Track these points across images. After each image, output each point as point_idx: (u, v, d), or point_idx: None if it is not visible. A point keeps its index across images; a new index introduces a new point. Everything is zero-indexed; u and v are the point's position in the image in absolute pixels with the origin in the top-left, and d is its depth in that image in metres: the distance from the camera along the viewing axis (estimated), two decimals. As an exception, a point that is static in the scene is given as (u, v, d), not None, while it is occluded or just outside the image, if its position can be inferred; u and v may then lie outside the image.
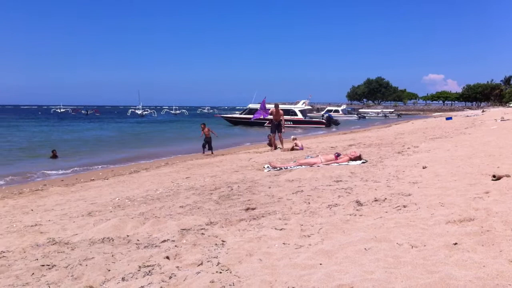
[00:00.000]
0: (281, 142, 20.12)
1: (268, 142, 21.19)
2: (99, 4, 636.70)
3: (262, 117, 24.42)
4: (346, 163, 11.49)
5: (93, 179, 14.08)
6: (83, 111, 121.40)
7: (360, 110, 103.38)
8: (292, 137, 19.93)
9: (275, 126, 20.41)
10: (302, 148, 18.33)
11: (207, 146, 21.99)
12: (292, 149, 18.30)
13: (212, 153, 21.43)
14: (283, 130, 20.37)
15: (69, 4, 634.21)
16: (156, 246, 5.17)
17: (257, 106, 50.27)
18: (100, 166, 18.34)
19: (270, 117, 21.37)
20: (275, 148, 19.93)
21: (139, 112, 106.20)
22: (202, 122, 23.22)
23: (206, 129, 22.10)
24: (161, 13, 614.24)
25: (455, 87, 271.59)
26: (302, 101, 55.81)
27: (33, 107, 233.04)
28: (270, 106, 24.78)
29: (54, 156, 21.40)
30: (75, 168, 17.87)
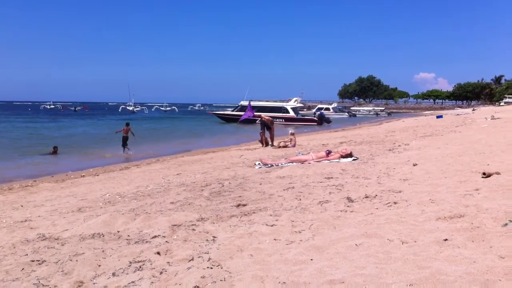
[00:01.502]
0: (272, 139, 20.09)
1: (260, 139, 21.19)
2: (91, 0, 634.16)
3: (248, 117, 24.64)
4: (337, 160, 11.52)
5: (84, 175, 14.02)
6: (71, 108, 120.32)
7: (351, 108, 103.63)
8: (291, 131, 19.64)
9: (263, 124, 20.43)
10: (293, 146, 18.35)
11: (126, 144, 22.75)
12: (286, 146, 18.32)
13: (128, 151, 22.26)
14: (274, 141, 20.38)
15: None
16: (146, 241, 5.16)
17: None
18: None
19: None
20: (266, 145, 19.92)
21: (130, 108, 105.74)
22: (127, 122, 23.78)
23: (126, 128, 22.73)
24: (154, 10, 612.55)
25: (446, 86, 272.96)
26: (294, 98, 55.91)
27: (27, 103, 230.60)
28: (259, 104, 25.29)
29: (55, 152, 21.48)
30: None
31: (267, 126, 20.35)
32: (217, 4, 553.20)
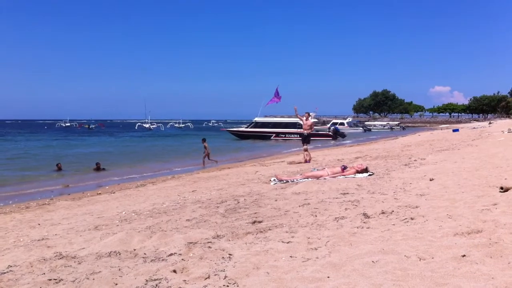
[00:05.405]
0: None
1: (306, 155, 20.86)
2: (106, 17, 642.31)
3: (273, 102, 24.74)
4: (352, 175, 11.46)
5: (100, 193, 14.11)
6: (86, 126, 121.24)
7: (365, 122, 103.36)
8: (304, 147, 19.51)
9: (304, 138, 20.11)
10: (308, 161, 18.29)
11: None
12: (305, 161, 18.27)
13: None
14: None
15: (76, 15, 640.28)
16: (163, 259, 5.16)
17: (263, 119, 50.72)
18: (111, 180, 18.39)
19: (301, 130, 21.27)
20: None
21: (146, 126, 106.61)
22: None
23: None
24: (170, 31, 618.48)
25: (461, 99, 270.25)
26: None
27: (47, 121, 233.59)
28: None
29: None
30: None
31: (306, 138, 19.97)
32: (230, 23, 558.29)
